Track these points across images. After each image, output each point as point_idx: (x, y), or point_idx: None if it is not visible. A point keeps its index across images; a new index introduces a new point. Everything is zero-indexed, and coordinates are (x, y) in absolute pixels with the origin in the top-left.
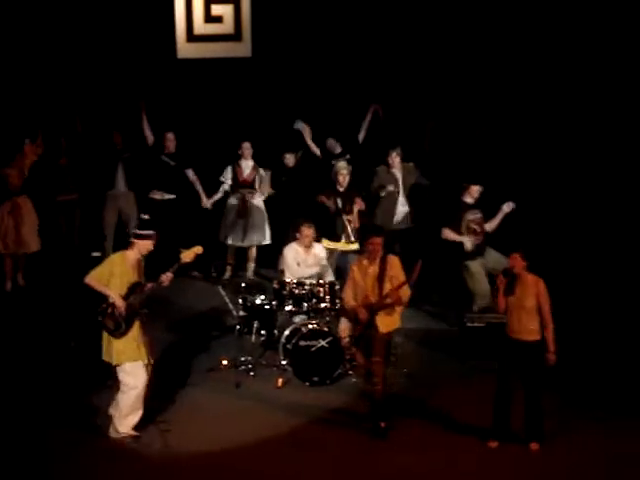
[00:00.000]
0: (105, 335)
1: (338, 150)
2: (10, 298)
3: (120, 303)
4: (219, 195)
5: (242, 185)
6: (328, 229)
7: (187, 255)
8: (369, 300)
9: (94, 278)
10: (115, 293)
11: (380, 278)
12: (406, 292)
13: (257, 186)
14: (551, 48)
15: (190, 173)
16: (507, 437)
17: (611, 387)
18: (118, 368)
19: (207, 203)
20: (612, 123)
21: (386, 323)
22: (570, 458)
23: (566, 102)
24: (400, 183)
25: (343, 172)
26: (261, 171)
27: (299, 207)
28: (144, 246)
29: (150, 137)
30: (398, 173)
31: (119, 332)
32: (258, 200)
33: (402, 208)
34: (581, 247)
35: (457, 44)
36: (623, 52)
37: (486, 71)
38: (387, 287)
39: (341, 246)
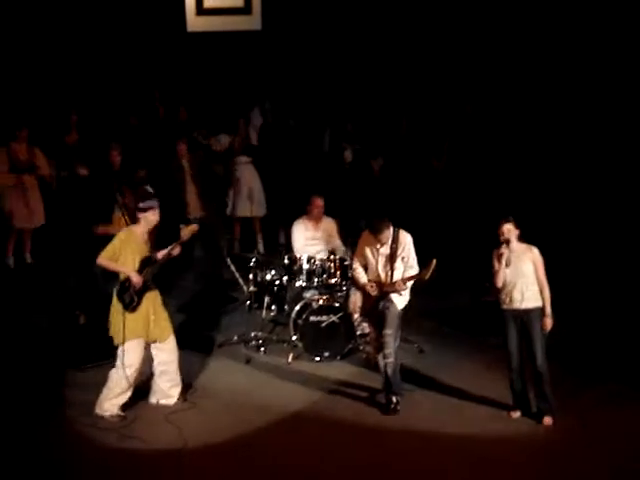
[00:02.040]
0: (114, 312)
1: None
2: (16, 274)
3: (136, 278)
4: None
5: (236, 152)
6: None
7: (185, 233)
8: (380, 279)
9: (105, 257)
10: (129, 268)
11: (392, 258)
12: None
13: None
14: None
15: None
16: (527, 409)
17: (614, 357)
18: (123, 345)
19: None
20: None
21: (400, 298)
22: (580, 429)
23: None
24: None
25: None
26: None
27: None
28: (150, 218)
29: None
30: None
31: (132, 306)
32: (252, 169)
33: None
34: (582, 224)
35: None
36: (622, 49)
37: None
38: (397, 268)
39: None
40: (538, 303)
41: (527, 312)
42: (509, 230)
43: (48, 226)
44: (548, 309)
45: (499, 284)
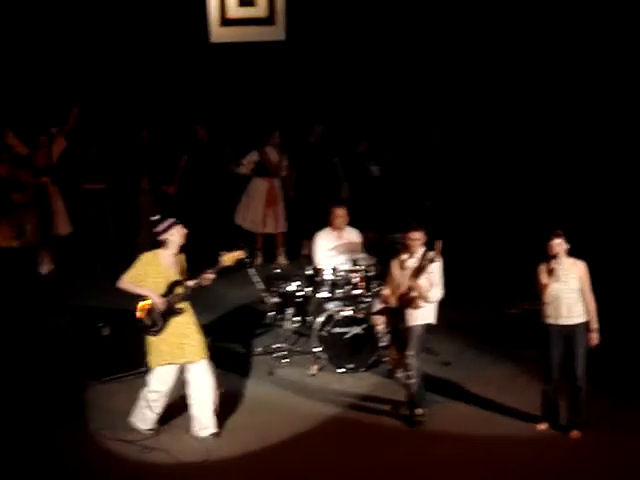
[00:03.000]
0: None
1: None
2: (43, 283)
3: (158, 301)
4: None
5: (269, 173)
6: None
7: (228, 259)
8: (405, 293)
9: (127, 281)
10: (152, 291)
11: (417, 272)
12: (435, 290)
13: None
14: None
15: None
16: (556, 422)
17: None
18: (150, 369)
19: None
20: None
21: (418, 317)
22: (611, 448)
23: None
24: None
25: None
26: (285, 159)
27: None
28: (176, 236)
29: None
30: None
31: (154, 330)
32: (279, 186)
33: None
34: (620, 235)
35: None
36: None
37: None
38: (422, 283)
39: None
40: (584, 318)
41: (573, 328)
42: (559, 244)
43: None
44: (594, 324)
45: (547, 299)
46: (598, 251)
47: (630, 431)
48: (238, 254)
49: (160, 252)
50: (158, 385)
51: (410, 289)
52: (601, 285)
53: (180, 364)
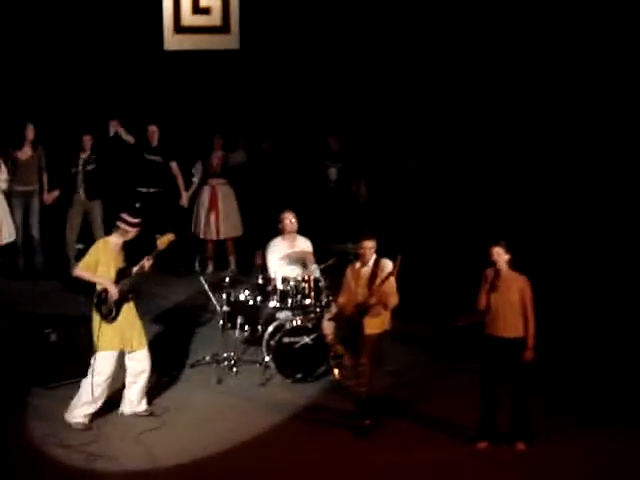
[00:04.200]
0: (95, 323)
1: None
2: None
3: (113, 289)
4: (191, 191)
5: (212, 175)
6: None
7: (162, 242)
8: (357, 300)
9: (83, 269)
10: (106, 279)
11: (371, 280)
12: (391, 296)
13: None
14: (545, 49)
15: (174, 165)
16: (495, 438)
17: (595, 388)
18: (96, 354)
19: (184, 200)
20: (606, 122)
21: (374, 325)
22: (555, 459)
23: (559, 101)
24: None
25: None
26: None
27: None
28: (131, 234)
29: (131, 139)
30: None
31: (111, 317)
32: (227, 190)
33: None
34: (564, 246)
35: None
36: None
37: (478, 74)
38: (376, 291)
39: None
40: (522, 333)
41: (510, 341)
42: (498, 254)
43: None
44: (531, 342)
45: (480, 307)
46: (549, 264)
47: (572, 444)
48: (170, 236)
49: (110, 240)
50: (103, 369)
51: (369, 297)
52: (547, 295)
53: (123, 350)
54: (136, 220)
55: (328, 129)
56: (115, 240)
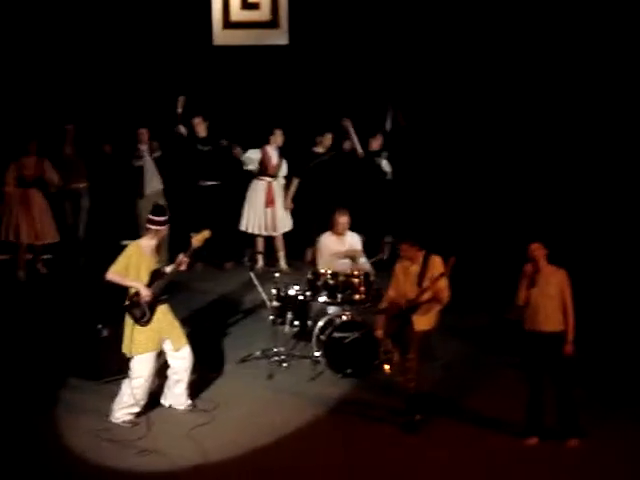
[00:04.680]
0: (127, 327)
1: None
2: (29, 287)
3: (145, 292)
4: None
5: (269, 173)
6: None
7: (197, 239)
8: (408, 296)
9: (114, 272)
10: (138, 282)
11: (421, 276)
12: (444, 291)
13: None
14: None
15: (224, 142)
16: (544, 434)
17: (634, 380)
18: (133, 357)
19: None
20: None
21: (422, 322)
22: (608, 453)
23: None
24: None
25: None
26: (284, 163)
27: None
28: (159, 232)
29: (184, 130)
30: None
31: (144, 320)
32: (280, 186)
33: None
34: (602, 241)
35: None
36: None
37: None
38: (427, 289)
39: None
40: (562, 327)
41: (550, 335)
42: (537, 249)
43: (63, 239)
44: (570, 336)
45: (520, 302)
46: (587, 260)
47: (620, 438)
48: (206, 233)
49: (142, 242)
50: (141, 372)
51: (420, 294)
52: (586, 292)
53: (160, 351)
54: (162, 218)
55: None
56: (147, 242)
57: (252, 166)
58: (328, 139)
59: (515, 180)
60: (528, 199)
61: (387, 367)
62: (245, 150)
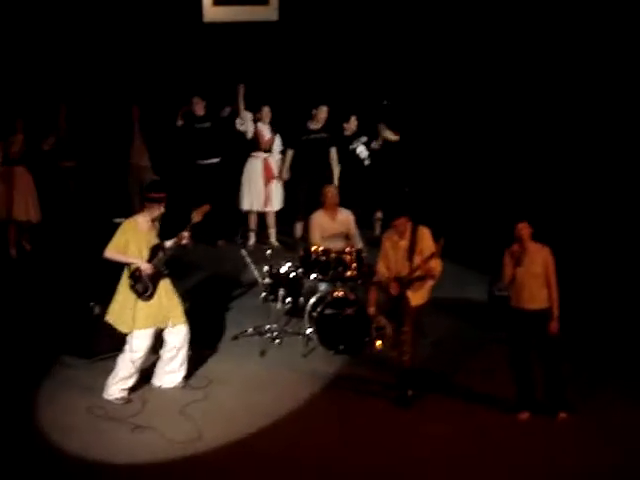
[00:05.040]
0: (121, 301)
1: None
2: (17, 264)
3: (146, 266)
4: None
5: (263, 148)
6: None
7: (197, 214)
8: (400, 273)
9: (112, 250)
10: (137, 258)
11: (410, 251)
12: (437, 266)
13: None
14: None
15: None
16: (535, 408)
17: (621, 355)
18: (132, 332)
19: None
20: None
21: (417, 296)
22: (596, 426)
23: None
24: None
25: None
26: (277, 139)
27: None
28: (155, 209)
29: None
30: None
31: (147, 295)
32: (276, 164)
33: None
34: (587, 217)
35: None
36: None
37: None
38: (417, 260)
39: None
40: (547, 304)
41: (536, 312)
42: (523, 228)
43: (49, 218)
44: (555, 312)
45: (506, 281)
46: (571, 236)
47: (608, 411)
48: (205, 207)
49: (138, 218)
50: (139, 347)
51: (413, 271)
52: (571, 267)
53: (159, 327)
54: (159, 195)
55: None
56: (143, 218)
57: (249, 132)
58: (323, 112)
59: (504, 159)
60: (516, 176)
61: (379, 343)
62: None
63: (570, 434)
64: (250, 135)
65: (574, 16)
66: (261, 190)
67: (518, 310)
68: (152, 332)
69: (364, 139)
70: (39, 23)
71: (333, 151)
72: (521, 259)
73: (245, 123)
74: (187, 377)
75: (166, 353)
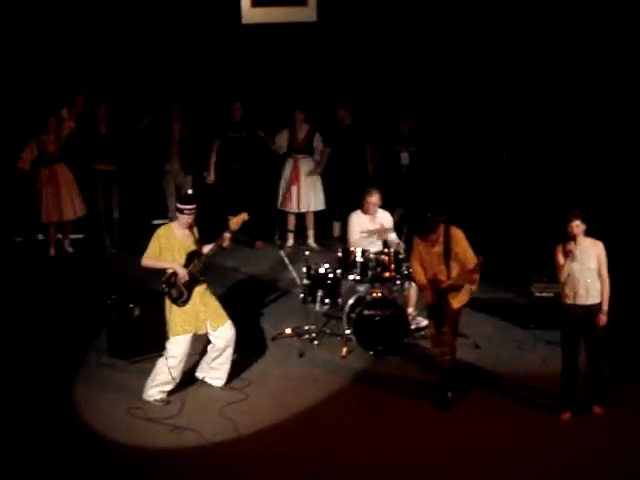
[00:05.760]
0: (167, 305)
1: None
2: (55, 264)
3: (181, 271)
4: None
5: (296, 150)
6: None
7: (235, 222)
8: (437, 279)
9: (148, 257)
10: (173, 263)
11: (446, 256)
12: (475, 276)
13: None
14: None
15: (261, 133)
16: (577, 408)
17: None
18: (169, 338)
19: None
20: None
21: (457, 299)
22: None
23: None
24: None
25: None
26: (316, 139)
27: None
28: (183, 219)
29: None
30: None
31: (182, 300)
32: (311, 165)
33: None
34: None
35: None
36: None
37: (537, 56)
38: (454, 265)
39: None
40: (600, 299)
41: (591, 308)
42: (577, 226)
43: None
44: (605, 306)
45: (563, 279)
46: (615, 233)
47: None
48: (244, 216)
49: (173, 225)
50: (176, 352)
51: (453, 278)
52: (618, 267)
53: (197, 332)
54: (187, 207)
55: (400, 110)
56: (177, 225)
57: (283, 150)
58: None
59: (544, 155)
60: (557, 175)
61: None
62: (273, 137)
63: (608, 433)
64: (283, 152)
65: (590, 23)
66: (289, 190)
67: (573, 306)
68: (189, 338)
69: (412, 149)
70: (78, 23)
71: (368, 149)
72: (575, 255)
73: (282, 148)
74: (227, 378)
75: (210, 352)
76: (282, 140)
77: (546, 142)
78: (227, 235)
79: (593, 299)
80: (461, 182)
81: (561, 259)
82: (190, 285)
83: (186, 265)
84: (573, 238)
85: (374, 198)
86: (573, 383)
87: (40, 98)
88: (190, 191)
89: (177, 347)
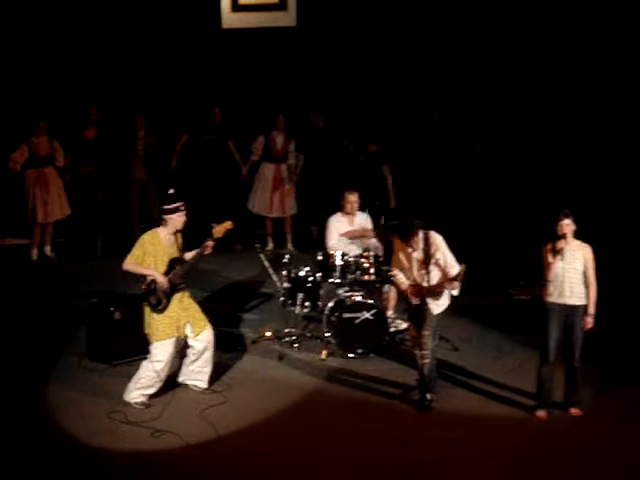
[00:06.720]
0: (147, 310)
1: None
2: (37, 267)
3: (161, 279)
4: (249, 165)
5: (275, 157)
6: None
7: (218, 230)
8: (418, 284)
9: (130, 262)
10: (153, 270)
11: (426, 262)
12: (455, 283)
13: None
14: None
15: (231, 144)
16: (551, 406)
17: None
18: (153, 343)
19: (245, 173)
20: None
21: (437, 304)
22: (612, 425)
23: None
24: None
25: None
26: (292, 144)
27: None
28: (176, 220)
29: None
30: None
31: (159, 308)
32: (286, 170)
33: None
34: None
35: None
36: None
37: (511, 63)
38: (433, 270)
39: None
40: (584, 301)
41: (573, 308)
42: (568, 225)
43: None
44: (592, 309)
45: (550, 277)
46: (602, 236)
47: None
48: (228, 224)
49: (159, 231)
50: (160, 357)
51: (435, 285)
52: (604, 269)
53: (180, 337)
54: (173, 205)
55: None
56: (164, 231)
57: (255, 157)
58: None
59: (526, 159)
60: (543, 177)
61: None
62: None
63: (583, 435)
64: (256, 159)
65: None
66: (267, 196)
67: (556, 305)
68: (172, 342)
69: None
70: (65, 27)
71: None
72: (564, 255)
73: (255, 154)
74: (212, 380)
75: (190, 355)
76: (259, 146)
77: (522, 152)
78: (210, 243)
79: (576, 300)
80: (438, 189)
81: (550, 257)
82: (170, 293)
83: (167, 272)
84: (563, 237)
85: (353, 197)
86: (549, 382)
87: (31, 100)
88: (171, 190)
89: (162, 351)
